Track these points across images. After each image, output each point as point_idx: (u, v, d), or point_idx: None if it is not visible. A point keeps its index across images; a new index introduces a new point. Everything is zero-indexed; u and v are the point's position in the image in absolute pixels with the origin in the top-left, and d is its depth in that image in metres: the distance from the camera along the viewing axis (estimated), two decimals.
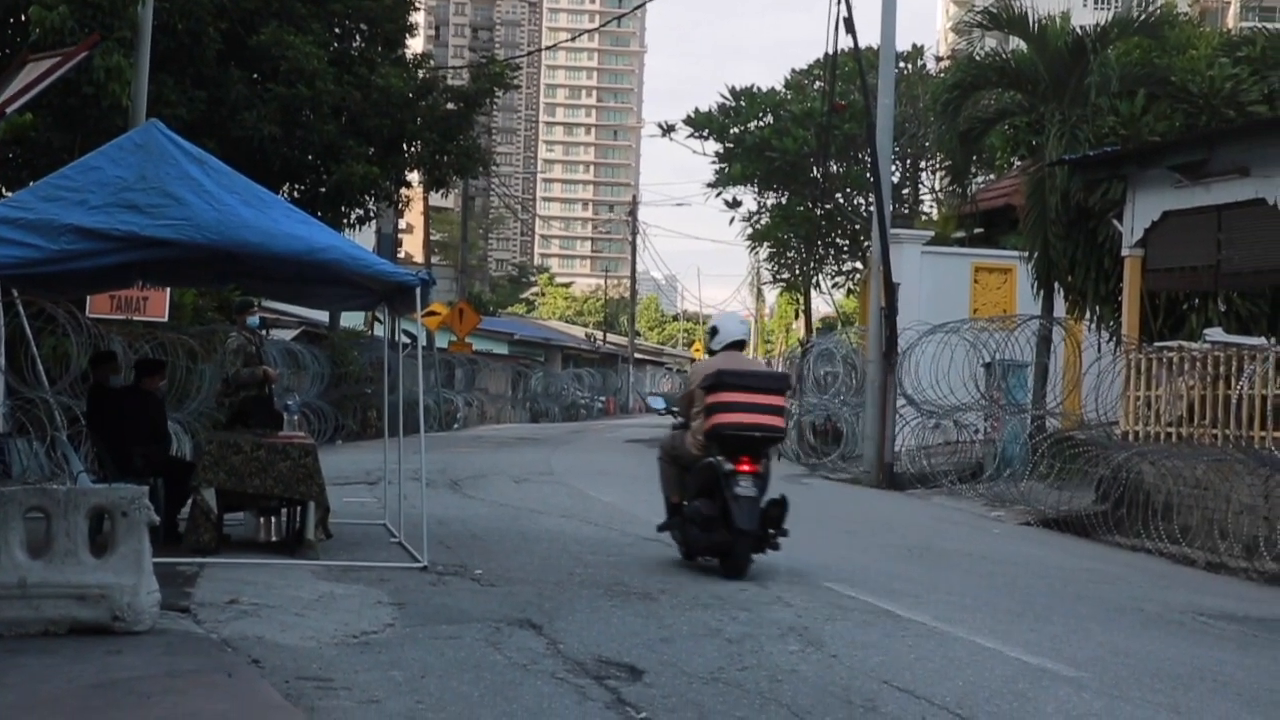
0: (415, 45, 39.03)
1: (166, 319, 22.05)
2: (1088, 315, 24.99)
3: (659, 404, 14.26)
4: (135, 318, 21.70)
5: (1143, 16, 25.68)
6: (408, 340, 24.10)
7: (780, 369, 34.80)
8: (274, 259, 12.25)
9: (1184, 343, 20.10)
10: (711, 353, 13.29)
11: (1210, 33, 28.84)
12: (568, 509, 17.61)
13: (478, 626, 9.52)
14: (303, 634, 9.14)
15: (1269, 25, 31.61)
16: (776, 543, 12.57)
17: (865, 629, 10.15)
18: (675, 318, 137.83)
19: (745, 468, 12.35)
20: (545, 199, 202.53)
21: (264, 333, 19.12)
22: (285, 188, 29.87)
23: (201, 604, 9.93)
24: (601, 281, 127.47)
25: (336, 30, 31.91)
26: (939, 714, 7.71)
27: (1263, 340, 18.96)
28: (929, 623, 10.57)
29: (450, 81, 37.01)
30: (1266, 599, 14.00)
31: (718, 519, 12.33)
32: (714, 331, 13.46)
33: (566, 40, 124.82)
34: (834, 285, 51.61)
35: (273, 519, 13.78)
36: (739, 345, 13.39)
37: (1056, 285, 25.20)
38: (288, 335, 34.24)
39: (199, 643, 8.74)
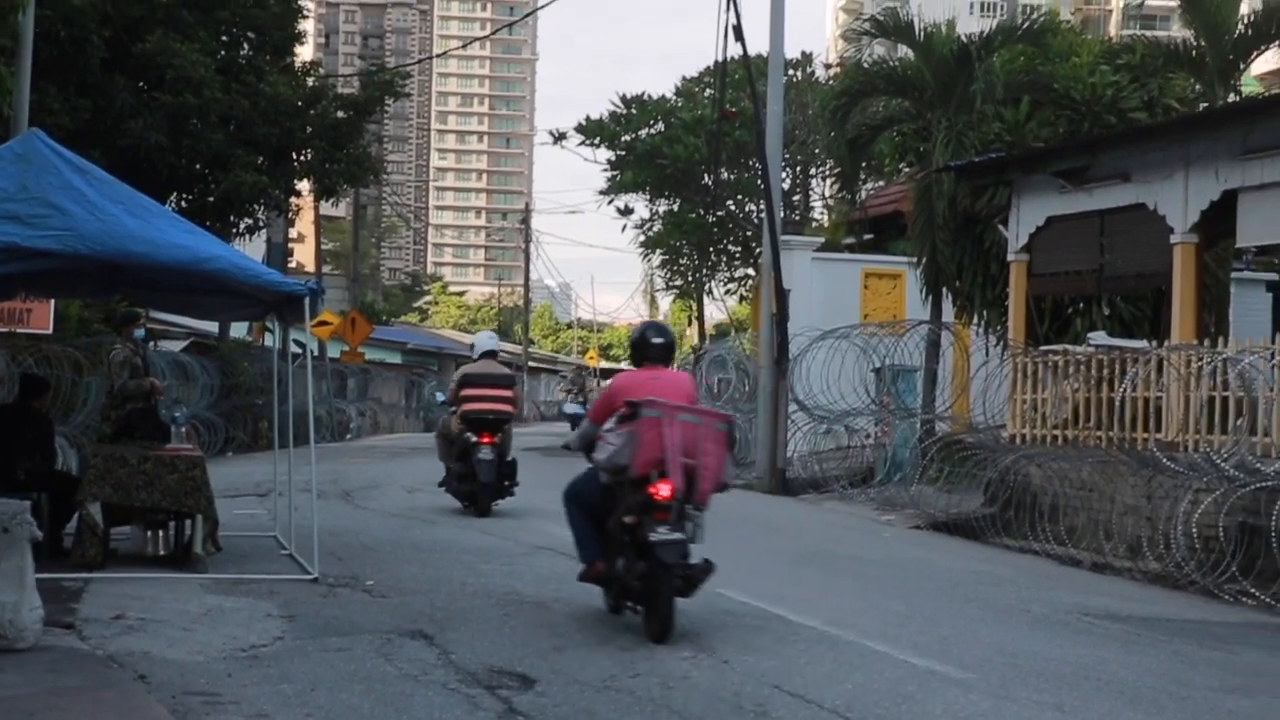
0: (305, 53, 38.76)
1: (51, 331, 21.68)
2: (975, 320, 25.27)
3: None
4: (19, 330, 21.32)
5: (1026, 24, 25.99)
6: (299, 350, 23.85)
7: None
8: (160, 269, 12.13)
9: (1069, 346, 20.40)
10: (473, 360, 18.93)
11: (1092, 40, 29.25)
12: (461, 518, 17.55)
13: (369, 638, 9.47)
14: (190, 648, 9.05)
15: (1149, 33, 32.19)
16: (512, 491, 18.32)
17: (757, 634, 10.21)
18: (569, 326, 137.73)
19: (485, 439, 17.65)
20: (438, 207, 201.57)
21: (150, 344, 18.89)
22: (173, 197, 29.50)
23: (87, 620, 9.80)
24: (495, 290, 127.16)
25: (224, 38, 31.54)
26: (829, 718, 7.79)
27: (1145, 343, 19.27)
28: (820, 627, 10.65)
29: (340, 90, 36.76)
30: (1149, 598, 14.24)
31: (469, 475, 17.90)
32: (473, 347, 19.88)
33: (457, 48, 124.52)
34: (726, 292, 51.82)
35: (160, 533, 13.60)
36: (491, 354, 19.23)
37: (945, 290, 25.45)
38: (176, 346, 33.83)
39: (84, 659, 8.63)
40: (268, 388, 32.67)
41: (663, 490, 9.89)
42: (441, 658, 8.92)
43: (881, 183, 38.14)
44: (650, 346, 10.89)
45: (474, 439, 17.76)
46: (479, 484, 17.79)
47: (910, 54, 26.87)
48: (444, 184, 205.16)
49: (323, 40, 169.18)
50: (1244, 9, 25.75)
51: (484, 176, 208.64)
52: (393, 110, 60.05)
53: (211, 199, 30.06)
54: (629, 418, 10.13)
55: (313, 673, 8.37)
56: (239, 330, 37.44)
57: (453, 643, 9.37)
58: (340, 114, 33.34)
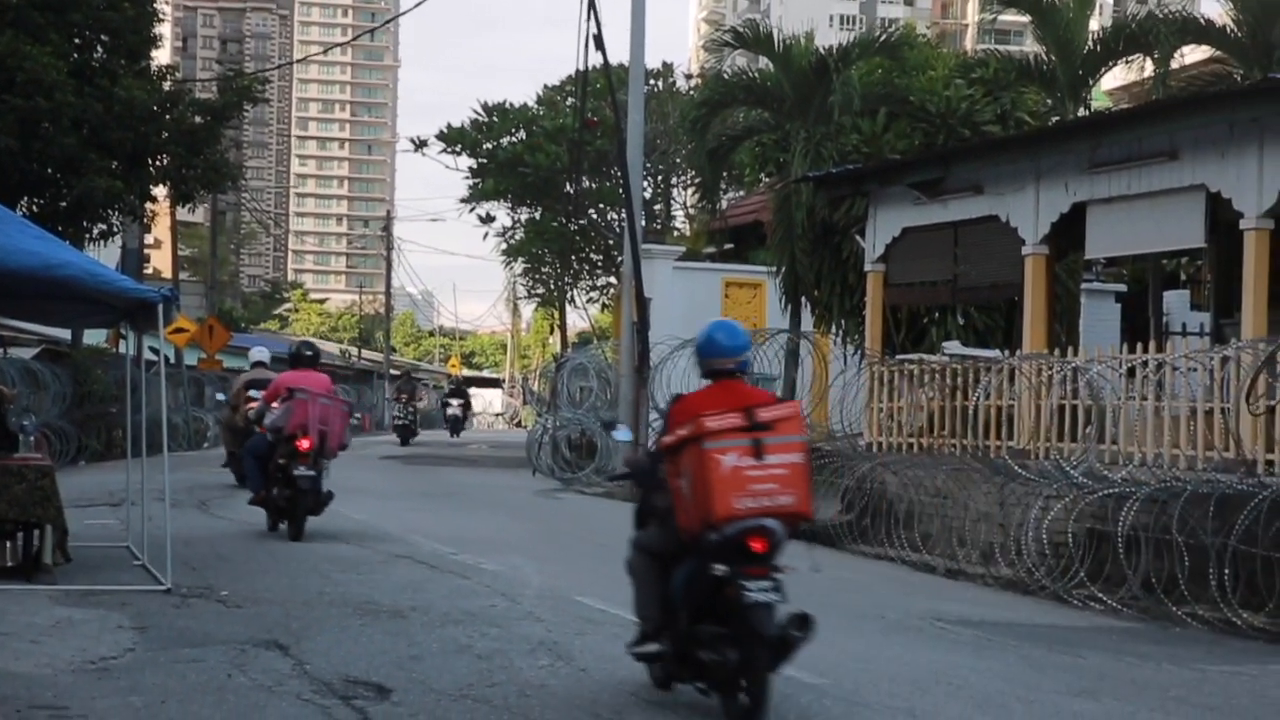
0: (161, 57, 38.13)
1: None
2: (834, 329, 25.57)
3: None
4: None
5: (884, 37, 26.37)
6: (154, 358, 23.48)
7: (535, 384, 35.02)
8: (8, 276, 11.90)
9: (924, 355, 20.71)
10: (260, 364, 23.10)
11: (948, 54, 29.72)
12: (318, 527, 17.35)
13: (222, 649, 9.36)
14: (37, 661, 8.88)
15: (1003, 48, 32.75)
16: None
17: (614, 642, 10.22)
18: (431, 333, 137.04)
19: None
20: (299, 214, 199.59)
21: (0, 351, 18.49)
22: (23, 202, 28.92)
23: None
24: (356, 297, 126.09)
25: (76, 40, 30.97)
26: None
27: (997, 352, 19.62)
28: None
29: (198, 94, 36.26)
30: (1001, 604, 14.48)
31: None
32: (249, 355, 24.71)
33: (318, 53, 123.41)
34: (588, 300, 51.90)
35: (7, 543, 13.29)
36: (263, 364, 23.09)
37: (804, 299, 25.72)
38: (27, 353, 33.13)
39: None
40: (122, 395, 32.14)
41: (304, 444, 16.27)
42: (296, 668, 8.84)
43: (742, 193, 38.45)
44: (302, 358, 17.52)
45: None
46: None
47: (770, 65, 27.12)
48: (305, 190, 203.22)
49: (180, 44, 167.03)
50: (1094, 25, 26.33)
51: (345, 183, 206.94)
52: (252, 116, 59.35)
53: (64, 204, 29.51)
54: (287, 398, 16.63)
55: (164, 684, 8.26)
56: (94, 337, 36.77)
57: (308, 653, 9.30)
58: (197, 119, 32.89)
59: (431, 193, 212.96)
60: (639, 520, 9.16)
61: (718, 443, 7.66)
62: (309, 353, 17.62)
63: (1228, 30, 23.77)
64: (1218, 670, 10.82)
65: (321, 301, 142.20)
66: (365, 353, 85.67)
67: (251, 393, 21.35)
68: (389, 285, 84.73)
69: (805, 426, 8.58)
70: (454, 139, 46.86)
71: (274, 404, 17.03)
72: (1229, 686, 10.17)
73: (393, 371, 76.17)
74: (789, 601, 7.75)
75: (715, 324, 8.61)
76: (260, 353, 24.28)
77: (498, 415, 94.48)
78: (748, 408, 7.79)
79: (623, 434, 11.22)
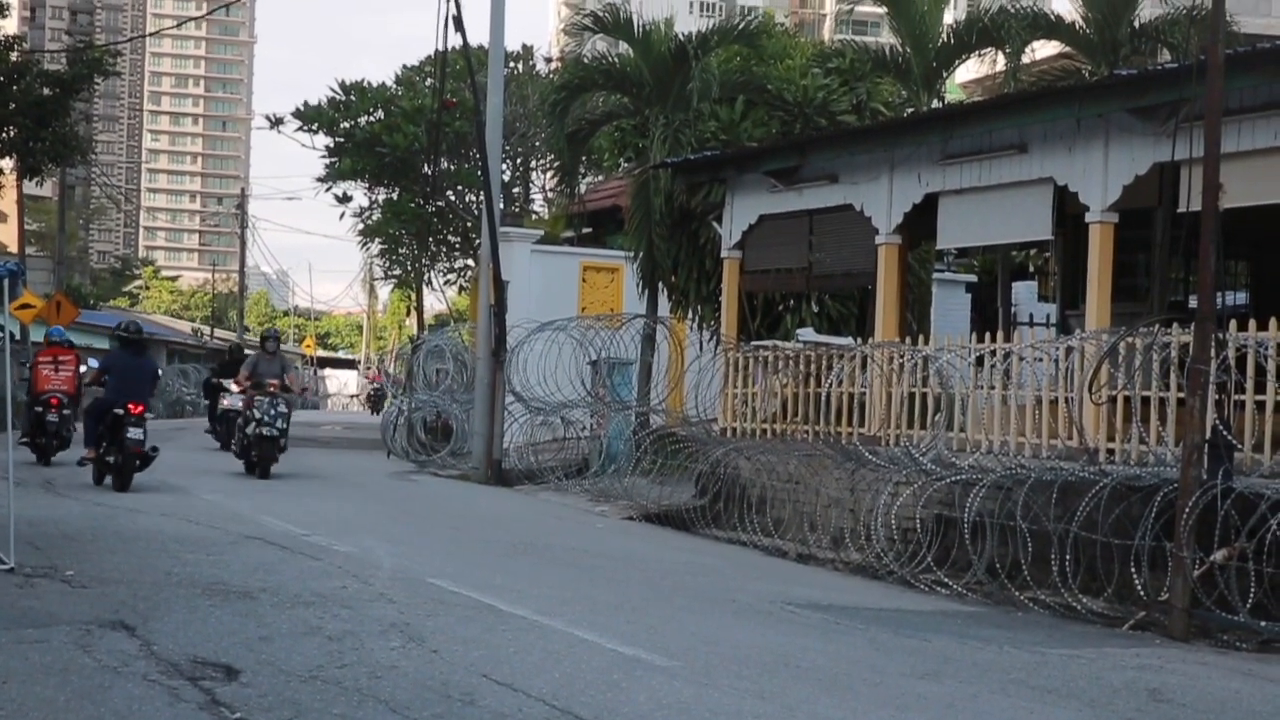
0: (8, 27, 37.31)
1: None
2: (690, 314, 25.73)
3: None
4: None
5: (742, 25, 26.50)
6: None
7: (392, 366, 34.87)
8: None
9: (778, 342, 20.91)
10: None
11: (806, 44, 30.02)
12: (167, 508, 17.14)
13: (66, 629, 9.22)
14: None
15: (860, 39, 33.12)
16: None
17: (467, 624, 10.25)
18: (286, 313, 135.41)
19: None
20: (151, 190, 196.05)
21: None
22: None
23: None
24: (209, 275, 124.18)
25: None
26: (535, 705, 7.86)
27: (850, 340, 19.88)
28: (530, 616, 10.74)
29: (46, 66, 35.51)
30: (850, 588, 14.68)
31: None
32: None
33: (171, 27, 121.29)
34: (446, 282, 51.64)
35: None
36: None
37: (661, 285, 25.84)
38: None
39: None
40: None
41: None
42: (143, 649, 8.74)
43: (600, 177, 38.50)
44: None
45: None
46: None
47: (630, 51, 27.17)
48: (157, 166, 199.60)
49: (28, 14, 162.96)
50: (948, 19, 26.73)
51: (199, 160, 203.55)
52: (103, 89, 58.21)
53: None
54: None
55: (5, 665, 8.12)
56: None
57: (155, 633, 9.18)
58: (46, 91, 32.26)
59: (288, 171, 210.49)
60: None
61: None
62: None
63: (1077, 27, 24.28)
64: (1057, 653, 11.08)
65: (173, 279, 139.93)
66: (218, 332, 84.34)
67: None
68: (243, 264, 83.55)
69: None
70: (311, 117, 46.31)
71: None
72: (1067, 669, 10.43)
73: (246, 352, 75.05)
74: None
75: None
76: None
77: (353, 396, 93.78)
78: None
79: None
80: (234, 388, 25.45)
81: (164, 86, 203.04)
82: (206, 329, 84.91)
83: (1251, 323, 13.65)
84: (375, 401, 68.17)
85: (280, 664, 8.50)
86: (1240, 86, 13.64)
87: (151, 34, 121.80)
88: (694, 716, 7.92)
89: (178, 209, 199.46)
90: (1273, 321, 13.39)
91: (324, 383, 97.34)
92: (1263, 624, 11.82)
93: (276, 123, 48.09)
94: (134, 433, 19.39)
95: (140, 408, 19.82)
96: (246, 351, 32.20)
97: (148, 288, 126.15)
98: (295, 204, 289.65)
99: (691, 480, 20.32)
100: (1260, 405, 13.23)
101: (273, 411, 22.14)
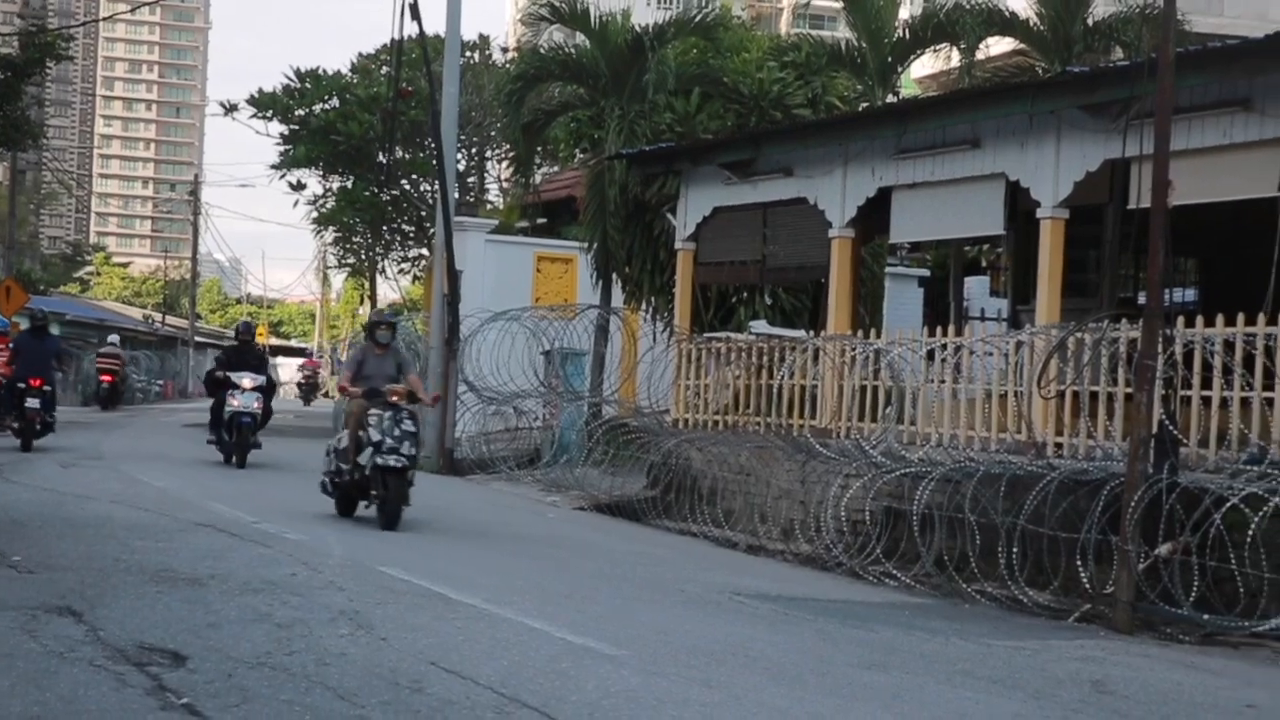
0: None
1: None
2: (644, 305, 25.78)
3: None
4: None
5: (699, 18, 26.53)
6: None
7: (345, 354, 34.83)
8: None
9: (731, 334, 20.98)
10: None
11: (762, 37, 30.03)
12: (117, 494, 17.07)
13: (12, 614, 9.16)
14: None
15: (816, 33, 33.16)
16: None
17: (416, 612, 10.25)
18: (239, 301, 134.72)
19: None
20: (103, 175, 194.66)
21: None
22: None
23: None
24: (162, 262, 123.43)
25: None
26: (483, 693, 7.87)
27: (802, 333, 19.95)
28: (479, 605, 10.75)
29: None
30: (799, 579, 14.76)
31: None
32: None
33: (125, 12, 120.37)
34: (400, 271, 51.46)
35: None
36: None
37: (615, 276, 25.86)
38: None
39: None
40: None
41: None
42: (90, 635, 8.70)
43: (556, 168, 38.41)
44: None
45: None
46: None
47: (586, 41, 27.15)
48: (109, 152, 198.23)
49: None
50: (904, 14, 26.84)
51: (152, 146, 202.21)
52: (55, 73, 57.74)
53: None
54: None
55: None
56: None
57: (102, 619, 9.14)
58: None
59: (241, 158, 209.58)
60: None
61: None
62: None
63: (1031, 24, 24.42)
64: (1003, 645, 11.18)
65: (125, 265, 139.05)
66: (170, 319, 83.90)
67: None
68: (195, 251, 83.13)
69: None
70: (265, 104, 46.10)
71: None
72: (1012, 660, 10.52)
73: (198, 339, 74.51)
74: None
75: None
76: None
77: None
78: None
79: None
80: (246, 383, 22.36)
81: (117, 72, 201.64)
82: (158, 316, 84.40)
83: (1199, 319, 13.80)
84: (307, 391, 66.23)
85: (228, 650, 8.48)
86: (1190, 85, 13.76)
87: (105, 18, 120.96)
88: (641, 705, 7.95)
89: (130, 195, 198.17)
90: (1220, 318, 13.53)
91: (276, 371, 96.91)
92: (1205, 617, 11.93)
93: (230, 109, 47.87)
94: (31, 403, 23.66)
95: (39, 381, 23.77)
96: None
97: (99, 274, 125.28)
98: (249, 191, 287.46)
99: (643, 471, 20.36)
100: (1206, 401, 13.37)
101: (397, 431, 15.69)
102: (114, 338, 54.75)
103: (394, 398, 16.00)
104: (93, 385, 55.46)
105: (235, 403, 22.19)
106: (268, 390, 23.16)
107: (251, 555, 12.57)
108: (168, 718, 7.01)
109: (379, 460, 15.41)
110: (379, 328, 17.50)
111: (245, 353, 23.65)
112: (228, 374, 22.57)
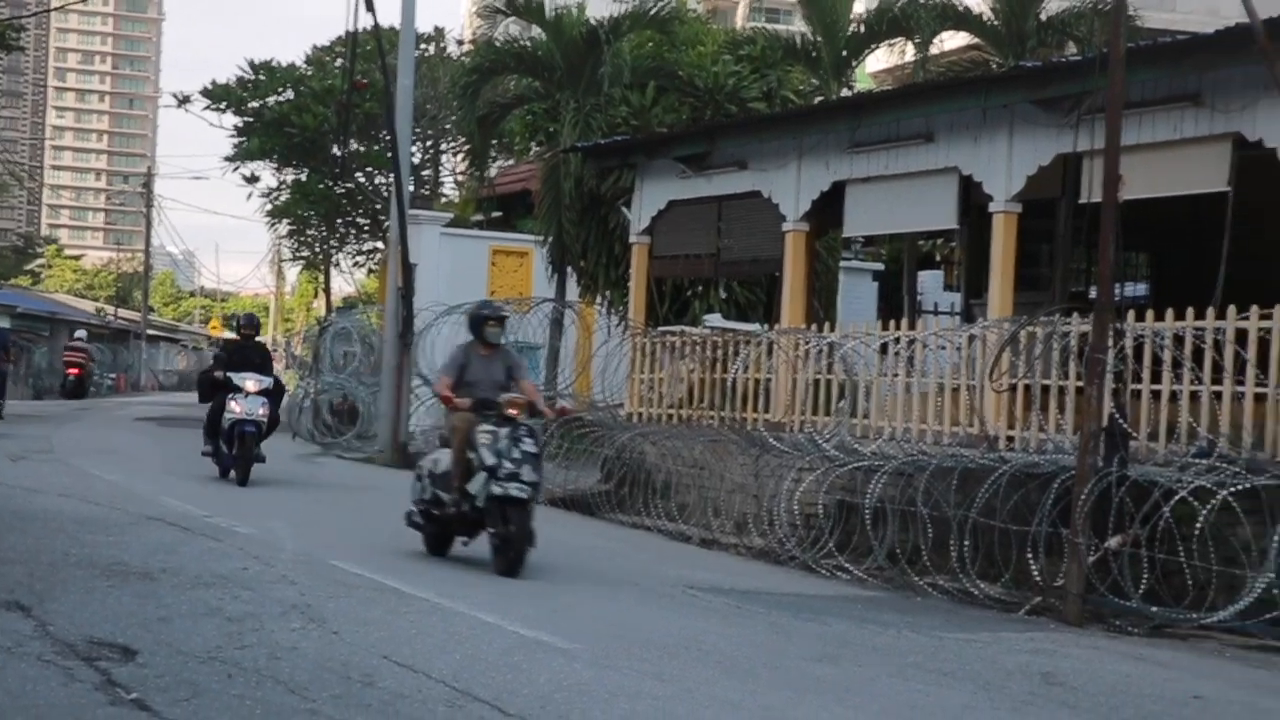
0: None
1: None
2: (599, 299, 25.76)
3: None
4: None
5: (655, 11, 26.53)
6: None
7: (298, 348, 34.81)
8: None
9: (686, 327, 20.99)
10: None
11: (717, 30, 30.09)
12: (67, 488, 16.94)
13: None
14: None
15: (771, 26, 33.25)
16: None
17: (369, 606, 10.23)
18: (192, 294, 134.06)
19: None
20: (55, 167, 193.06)
21: None
22: None
23: None
24: (114, 255, 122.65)
25: None
26: (435, 687, 7.86)
27: (757, 327, 19.99)
28: (432, 599, 10.74)
29: None
30: (751, 573, 14.78)
31: None
32: None
33: (76, 2, 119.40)
34: (355, 264, 51.40)
35: None
36: None
37: (570, 269, 25.84)
38: None
39: None
40: None
41: None
42: (39, 629, 8.63)
43: (511, 161, 38.39)
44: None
45: None
46: None
47: (542, 34, 27.12)
48: (62, 143, 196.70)
49: None
50: (859, 8, 26.91)
51: (105, 137, 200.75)
52: (6, 64, 57.33)
53: None
54: None
55: None
56: None
57: (51, 614, 9.07)
58: None
59: (195, 150, 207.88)
60: None
61: None
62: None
63: (985, 19, 24.52)
64: (954, 637, 11.23)
65: (77, 258, 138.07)
66: (122, 312, 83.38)
67: None
68: (148, 243, 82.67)
69: None
70: (219, 96, 45.93)
71: None
72: (963, 653, 10.57)
73: (150, 332, 73.91)
74: None
75: None
76: None
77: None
78: None
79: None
80: (250, 386, 19.18)
81: (70, 63, 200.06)
82: (110, 309, 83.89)
83: (1150, 313, 13.89)
84: None
85: (179, 645, 8.43)
86: (1142, 80, 13.85)
87: (57, 8, 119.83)
88: (594, 698, 7.95)
89: (83, 187, 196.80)
90: (1170, 312, 13.62)
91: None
92: (1154, 609, 12.02)
93: (184, 101, 47.70)
94: None
95: None
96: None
97: (50, 266, 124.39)
98: (203, 184, 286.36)
99: (597, 465, 20.34)
100: (1156, 395, 13.46)
101: (517, 453, 12.65)
102: (81, 332, 54.56)
103: (512, 411, 12.95)
104: (57, 379, 55.23)
105: (237, 408, 18.89)
106: (275, 394, 19.91)
107: (202, 549, 12.51)
108: (117, 713, 6.97)
109: (496, 489, 12.48)
110: (488, 323, 13.93)
111: (248, 350, 20.18)
112: (228, 375, 19.27)
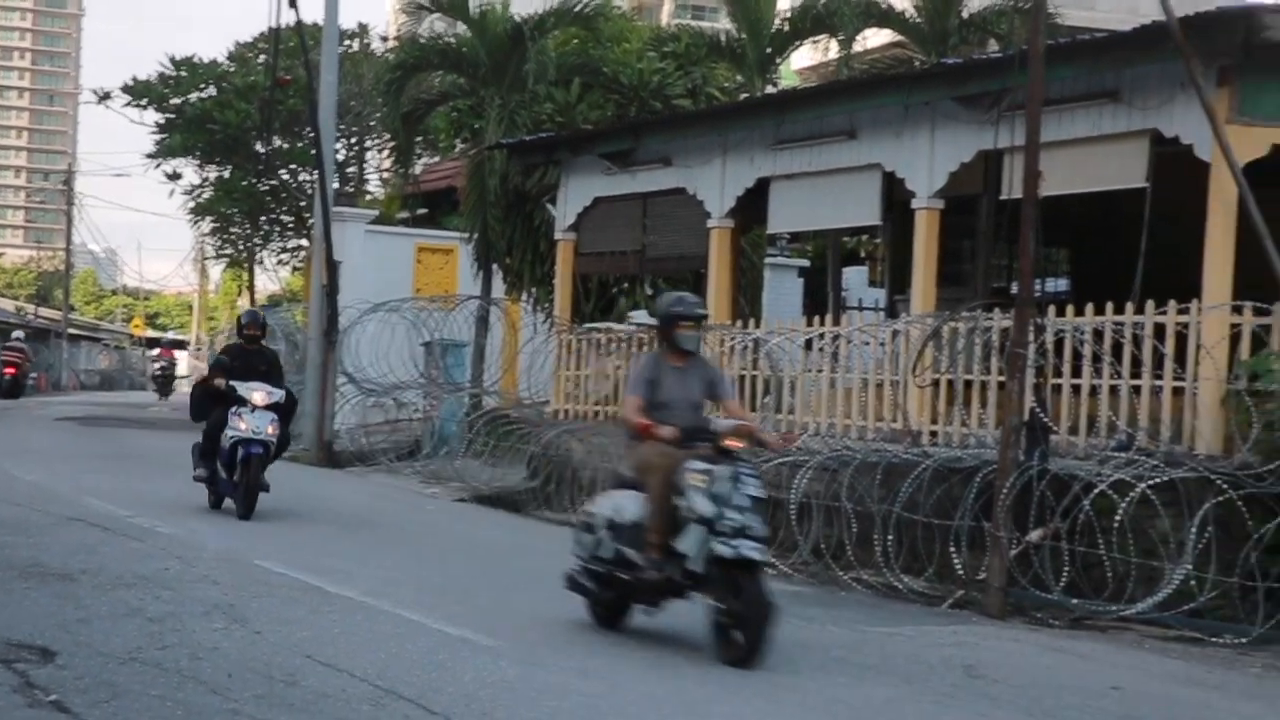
0: None
1: None
2: (525, 296, 25.73)
3: None
4: None
5: (579, 8, 26.52)
6: None
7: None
8: None
9: (611, 324, 21.00)
10: None
11: (642, 27, 30.14)
12: None
13: None
14: None
15: (697, 23, 33.34)
16: None
17: (292, 605, 10.19)
18: (114, 292, 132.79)
19: None
20: None
21: None
22: None
23: None
24: (34, 253, 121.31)
25: None
26: (359, 685, 7.85)
27: None
28: (356, 597, 10.71)
29: None
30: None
31: None
32: None
33: None
34: (279, 262, 51.13)
35: None
36: None
37: (496, 266, 25.80)
38: None
39: None
40: None
41: None
42: None
43: (436, 158, 38.28)
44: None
45: None
46: None
47: (466, 30, 27.05)
48: None
49: None
50: (783, 5, 27.03)
51: (24, 134, 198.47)
52: None
53: None
54: None
55: None
56: None
57: None
58: None
59: (117, 147, 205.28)
60: None
61: None
62: None
63: (908, 16, 24.69)
64: (877, 631, 11.31)
65: None
66: (43, 311, 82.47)
67: None
68: (69, 241, 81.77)
69: None
70: (140, 92, 45.55)
71: None
72: (886, 647, 10.64)
73: (72, 331, 73.01)
74: None
75: None
76: None
77: (182, 377, 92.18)
78: None
79: None
80: (259, 399, 15.67)
81: None
82: (30, 308, 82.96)
83: (1070, 309, 14.02)
84: (163, 384, 64.27)
85: (98, 646, 8.37)
86: (1061, 77, 13.96)
87: None
88: (519, 695, 7.96)
89: (1, 185, 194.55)
90: (1090, 307, 13.75)
91: (152, 363, 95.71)
92: (1075, 602, 12.14)
93: (104, 97, 47.31)
94: None
95: None
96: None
97: None
98: (124, 181, 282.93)
99: (523, 462, 20.32)
100: (1076, 389, 13.60)
101: (742, 500, 9.50)
102: (19, 333, 54.01)
103: (733, 443, 9.78)
104: None
105: (242, 425, 15.47)
106: (286, 409, 16.31)
107: (124, 549, 12.42)
108: (36, 715, 6.92)
109: (722, 548, 9.38)
110: (682, 323, 10.38)
111: (253, 356, 16.39)
112: (232, 385, 15.75)
